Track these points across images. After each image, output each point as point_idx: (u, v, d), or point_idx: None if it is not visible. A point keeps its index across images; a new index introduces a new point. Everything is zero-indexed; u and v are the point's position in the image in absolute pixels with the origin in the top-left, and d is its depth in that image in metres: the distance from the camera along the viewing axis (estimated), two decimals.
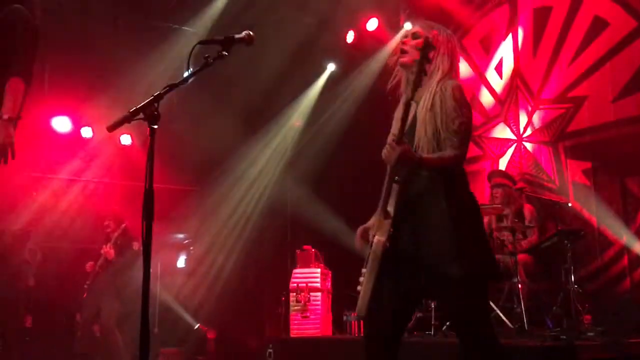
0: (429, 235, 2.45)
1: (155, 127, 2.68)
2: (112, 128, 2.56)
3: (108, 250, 6.53)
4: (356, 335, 6.41)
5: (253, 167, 8.65)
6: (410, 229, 2.49)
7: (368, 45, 7.94)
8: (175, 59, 8.49)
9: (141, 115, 2.64)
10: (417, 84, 2.50)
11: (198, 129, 7.84)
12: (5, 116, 3.10)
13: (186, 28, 8.25)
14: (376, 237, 2.47)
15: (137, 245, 6.82)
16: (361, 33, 7.93)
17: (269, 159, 8.67)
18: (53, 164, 7.72)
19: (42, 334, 7.28)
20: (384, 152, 2.47)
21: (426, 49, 2.53)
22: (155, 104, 2.67)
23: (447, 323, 4.94)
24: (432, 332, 5.28)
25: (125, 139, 8.18)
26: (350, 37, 7.99)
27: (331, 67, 8.65)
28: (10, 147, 3.11)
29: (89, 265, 6.75)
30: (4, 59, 3.22)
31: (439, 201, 2.46)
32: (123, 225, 6.57)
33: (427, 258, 2.43)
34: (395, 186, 2.50)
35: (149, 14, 8.04)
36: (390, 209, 2.50)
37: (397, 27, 7.69)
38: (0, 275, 3.25)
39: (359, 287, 2.56)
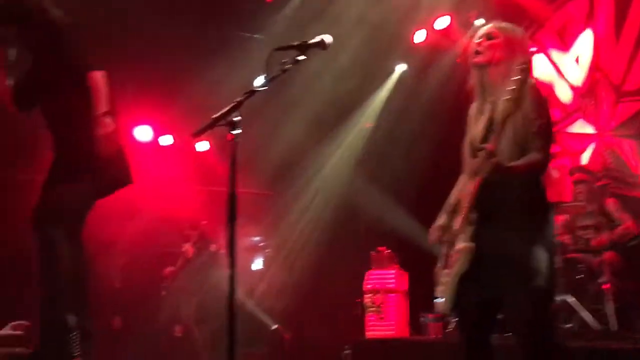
0: (511, 243, 2.45)
1: (236, 133, 2.78)
2: (196, 135, 2.67)
3: (188, 248, 6.77)
4: (433, 336, 6.34)
5: (325, 169, 8.72)
6: (493, 235, 2.47)
7: (438, 43, 7.85)
8: (247, 66, 8.70)
9: (223, 122, 2.75)
10: (508, 110, 2.44)
11: (271, 133, 7.98)
12: (100, 112, 3.26)
13: (257, 36, 8.44)
14: (463, 243, 2.48)
15: (214, 247, 7.05)
16: (431, 32, 7.84)
17: (340, 161, 8.72)
18: (135, 172, 8.05)
19: (129, 335, 7.61)
20: (475, 162, 2.47)
21: (524, 72, 2.47)
22: (236, 111, 2.77)
23: None
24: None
25: (202, 146, 8.44)
26: (420, 36, 7.91)
27: (401, 68, 8.61)
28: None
29: (168, 270, 7.03)
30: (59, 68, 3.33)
31: (524, 208, 2.47)
32: (202, 224, 6.81)
33: (508, 267, 2.43)
34: (479, 192, 2.49)
35: (222, 24, 8.28)
36: (474, 215, 2.50)
37: (468, 25, 7.55)
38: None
39: (440, 288, 2.58)
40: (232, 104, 2.74)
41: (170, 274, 7.02)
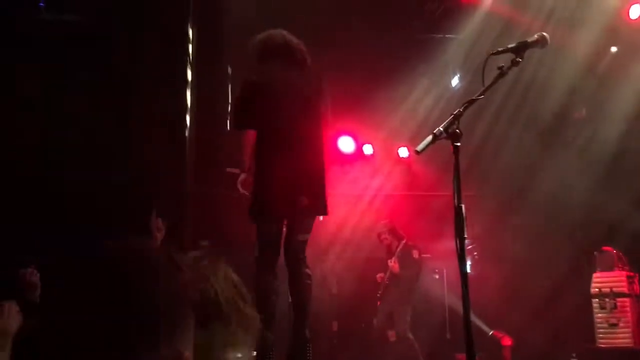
0: None
1: (458, 144, 2.74)
2: (420, 151, 2.68)
3: (393, 264, 6.91)
4: None
5: (529, 163, 8.24)
6: None
7: None
8: (441, 68, 8.61)
9: (444, 135, 2.73)
10: None
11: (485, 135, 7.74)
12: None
13: (450, 36, 8.29)
14: None
15: (416, 254, 7.07)
16: None
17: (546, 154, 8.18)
18: (341, 182, 8.38)
19: (347, 338, 7.91)
20: None
21: None
22: (456, 122, 2.74)
23: None
24: None
25: (403, 152, 8.50)
26: (635, 12, 7.11)
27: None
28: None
29: (379, 276, 7.19)
30: None
31: None
32: (403, 241, 6.91)
33: None
34: None
35: (412, 28, 8.30)
36: None
37: None
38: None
39: None
40: (452, 116, 2.71)
41: (382, 280, 7.18)
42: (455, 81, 8.73)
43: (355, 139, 8.49)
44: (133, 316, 0.88)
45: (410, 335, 6.89)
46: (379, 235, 7.21)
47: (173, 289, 0.93)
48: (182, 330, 0.93)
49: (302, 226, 3.70)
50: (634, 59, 7.28)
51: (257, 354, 3.41)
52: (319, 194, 3.66)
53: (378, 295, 7.12)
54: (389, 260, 7.02)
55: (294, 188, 3.55)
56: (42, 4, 5.88)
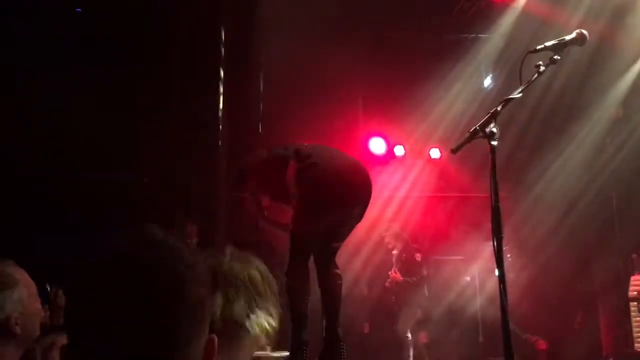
0: None
1: (495, 143, 2.71)
2: (456, 150, 2.66)
3: (394, 275, 6.88)
4: None
5: (563, 165, 8.10)
6: None
7: None
8: (474, 68, 8.52)
9: (481, 134, 2.70)
10: None
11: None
12: None
13: (482, 35, 8.21)
14: None
15: (419, 257, 6.97)
16: None
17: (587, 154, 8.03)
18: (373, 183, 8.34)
19: (375, 339, 7.87)
20: None
21: None
22: (493, 121, 2.70)
23: None
24: None
25: (435, 153, 8.44)
26: None
27: None
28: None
29: (387, 283, 7.11)
30: None
31: None
32: (403, 246, 6.84)
33: None
34: None
35: (444, 28, 8.25)
36: None
37: None
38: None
39: None
40: (489, 114, 2.68)
41: (390, 286, 7.11)
42: (487, 81, 8.64)
43: (387, 140, 8.45)
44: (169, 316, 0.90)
45: (409, 336, 6.80)
46: (383, 239, 7.14)
47: (202, 294, 0.94)
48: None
49: (343, 234, 3.72)
50: None
51: (290, 352, 3.45)
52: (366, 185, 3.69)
53: (393, 299, 7.06)
54: (390, 272, 6.97)
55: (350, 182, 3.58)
56: (79, 9, 6.00)
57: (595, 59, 7.18)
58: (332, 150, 3.82)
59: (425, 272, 7.06)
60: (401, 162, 8.48)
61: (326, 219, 3.53)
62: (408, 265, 6.94)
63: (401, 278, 6.87)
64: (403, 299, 6.93)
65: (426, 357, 7.32)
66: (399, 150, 8.43)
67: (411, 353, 6.69)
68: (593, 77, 7.59)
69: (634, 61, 7.77)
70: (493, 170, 2.66)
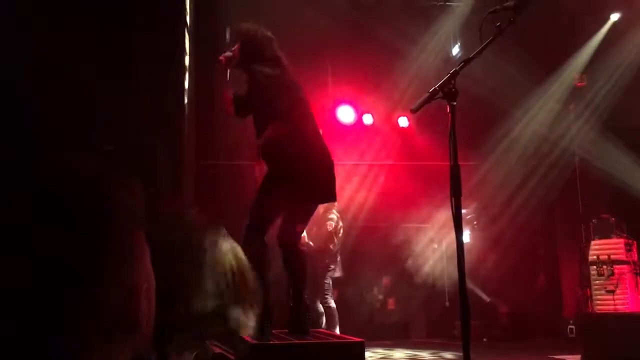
0: None
1: (454, 103, 2.71)
2: (416, 109, 2.66)
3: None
4: None
5: (531, 129, 8.19)
6: None
7: None
8: (442, 35, 8.50)
9: (440, 94, 2.71)
10: None
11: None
12: None
13: (451, 3, 8.20)
14: None
15: (330, 226, 6.63)
16: None
17: (548, 119, 8.13)
18: (340, 151, 8.34)
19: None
20: None
21: None
22: (452, 81, 2.71)
23: None
24: None
25: (403, 121, 8.46)
26: None
27: (614, 17, 7.78)
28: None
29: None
30: None
31: None
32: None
33: None
34: None
35: None
36: None
37: None
38: None
39: None
40: (448, 75, 2.68)
41: None
42: (456, 50, 8.65)
43: (355, 108, 8.42)
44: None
45: (332, 304, 6.35)
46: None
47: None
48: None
49: (306, 215, 3.66)
50: None
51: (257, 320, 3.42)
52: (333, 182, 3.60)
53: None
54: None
55: (321, 176, 3.49)
56: None
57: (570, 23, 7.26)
58: (309, 127, 3.63)
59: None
60: (369, 130, 8.48)
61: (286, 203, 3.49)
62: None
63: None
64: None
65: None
66: (367, 119, 8.42)
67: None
68: (558, 46, 7.68)
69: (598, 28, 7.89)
70: (452, 130, 2.67)
